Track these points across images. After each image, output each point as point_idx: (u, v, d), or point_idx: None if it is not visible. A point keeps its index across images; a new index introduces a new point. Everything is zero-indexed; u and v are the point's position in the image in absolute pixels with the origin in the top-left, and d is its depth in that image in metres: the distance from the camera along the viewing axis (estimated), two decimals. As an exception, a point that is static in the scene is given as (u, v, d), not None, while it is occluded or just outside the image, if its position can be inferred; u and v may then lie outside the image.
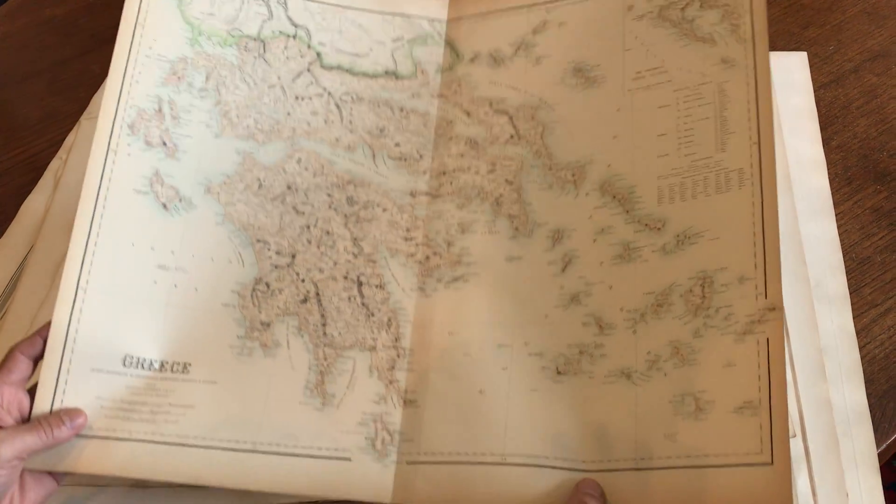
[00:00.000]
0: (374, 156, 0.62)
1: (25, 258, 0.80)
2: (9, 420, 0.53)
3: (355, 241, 0.60)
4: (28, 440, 0.52)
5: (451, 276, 0.58)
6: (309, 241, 0.60)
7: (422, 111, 0.64)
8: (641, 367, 0.53)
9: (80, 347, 0.55)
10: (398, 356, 0.56)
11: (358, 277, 0.59)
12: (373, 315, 0.58)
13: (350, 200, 0.61)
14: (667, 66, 0.60)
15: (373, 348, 0.56)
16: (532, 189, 0.60)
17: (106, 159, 0.58)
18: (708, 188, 0.55)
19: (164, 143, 0.60)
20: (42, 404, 0.54)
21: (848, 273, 0.74)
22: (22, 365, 0.55)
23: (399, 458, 0.53)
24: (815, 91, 0.87)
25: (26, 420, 0.54)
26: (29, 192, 0.87)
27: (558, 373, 0.54)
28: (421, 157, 0.62)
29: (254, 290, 0.58)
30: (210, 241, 0.59)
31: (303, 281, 0.59)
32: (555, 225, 0.59)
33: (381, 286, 0.58)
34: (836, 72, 0.90)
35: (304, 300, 0.58)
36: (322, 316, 0.58)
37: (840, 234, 0.76)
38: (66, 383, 0.55)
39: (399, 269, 0.59)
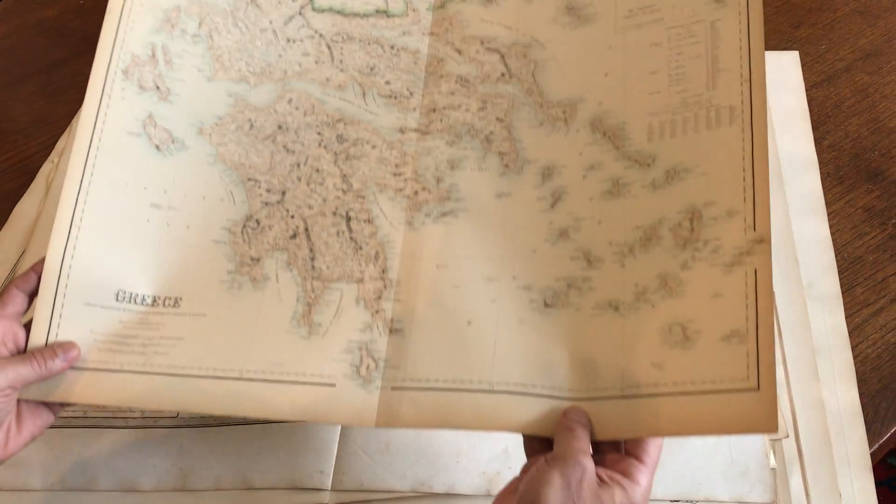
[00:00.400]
0: (364, 94, 0.63)
1: (17, 262, 0.80)
2: (4, 352, 0.54)
3: (344, 177, 0.61)
4: (22, 370, 0.53)
5: (439, 211, 0.59)
6: (299, 179, 0.61)
7: (412, 49, 0.64)
8: (629, 298, 0.53)
9: (73, 282, 0.57)
10: (385, 287, 0.57)
11: (347, 213, 0.60)
12: (361, 248, 0.58)
13: (340, 138, 0.62)
14: (659, 4, 0.60)
15: (360, 280, 0.57)
16: (522, 126, 0.61)
17: (100, 103, 0.60)
18: (698, 125, 0.55)
19: (158, 87, 0.62)
20: (37, 337, 0.56)
21: (840, 272, 0.74)
22: (17, 299, 0.56)
23: (384, 384, 0.54)
24: (806, 90, 0.87)
25: (22, 353, 0.55)
26: (21, 195, 0.87)
27: (546, 305, 0.55)
28: (411, 94, 0.63)
29: (244, 226, 0.60)
30: (202, 181, 0.61)
31: (292, 217, 0.60)
32: (545, 162, 0.59)
33: (369, 221, 0.59)
34: (828, 71, 0.90)
35: (294, 235, 0.59)
36: (311, 250, 0.59)
37: (832, 234, 0.76)
38: (60, 317, 0.56)
39: (387, 203, 0.60)
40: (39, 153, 0.92)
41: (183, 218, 0.60)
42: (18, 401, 0.54)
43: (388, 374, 0.54)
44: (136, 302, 0.58)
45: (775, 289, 0.72)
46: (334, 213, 0.60)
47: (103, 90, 0.60)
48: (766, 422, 0.46)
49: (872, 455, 0.65)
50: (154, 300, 0.58)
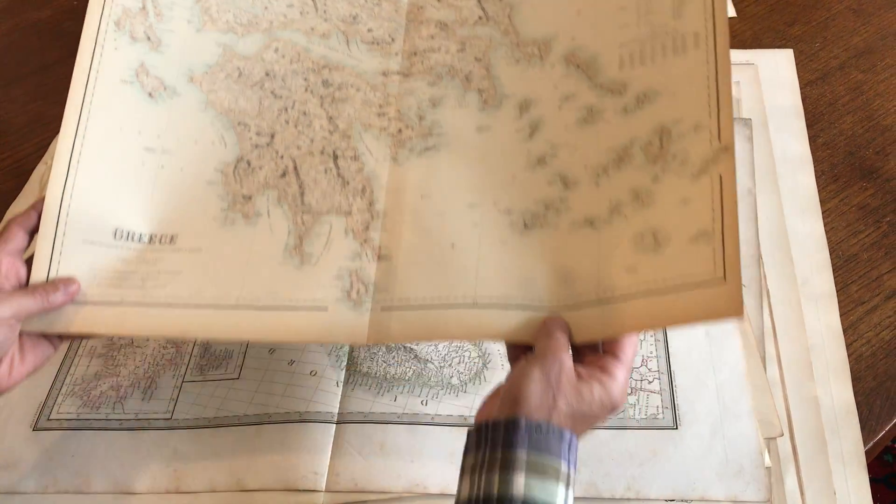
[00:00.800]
0: (347, 41, 0.66)
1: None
2: (7, 286, 0.56)
3: (331, 119, 0.64)
4: (24, 302, 0.55)
5: (422, 146, 0.62)
6: (287, 122, 0.64)
7: None
8: (604, 214, 0.56)
9: (72, 221, 0.59)
10: (372, 218, 0.60)
11: (333, 151, 0.62)
12: (348, 184, 0.61)
13: (325, 83, 0.65)
14: None
15: (348, 213, 0.60)
16: (500, 64, 0.63)
17: (94, 52, 0.62)
18: (666, 51, 0.58)
19: (149, 38, 0.64)
20: (38, 273, 0.58)
21: (835, 271, 0.74)
22: (18, 236, 0.58)
23: (373, 306, 0.57)
24: (801, 88, 0.87)
25: (24, 287, 0.57)
26: (14, 197, 0.86)
27: (525, 226, 0.58)
28: (393, 40, 0.66)
29: (235, 167, 0.62)
30: (193, 126, 0.63)
31: (281, 157, 0.62)
32: (522, 96, 0.62)
33: (355, 158, 0.62)
34: (822, 69, 0.90)
35: (283, 174, 0.62)
36: (300, 187, 0.62)
37: (827, 232, 0.76)
38: (60, 254, 0.59)
39: (372, 141, 0.62)
40: (33, 154, 0.92)
41: (176, 161, 0.62)
42: (21, 333, 0.56)
43: (377, 296, 0.57)
44: (133, 240, 0.60)
45: (770, 287, 0.72)
46: (322, 153, 0.62)
47: (96, 41, 0.63)
48: (732, 309, 0.49)
49: (867, 453, 0.65)
50: (150, 238, 0.60)
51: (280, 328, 0.56)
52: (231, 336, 0.58)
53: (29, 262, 0.58)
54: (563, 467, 0.47)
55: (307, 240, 0.59)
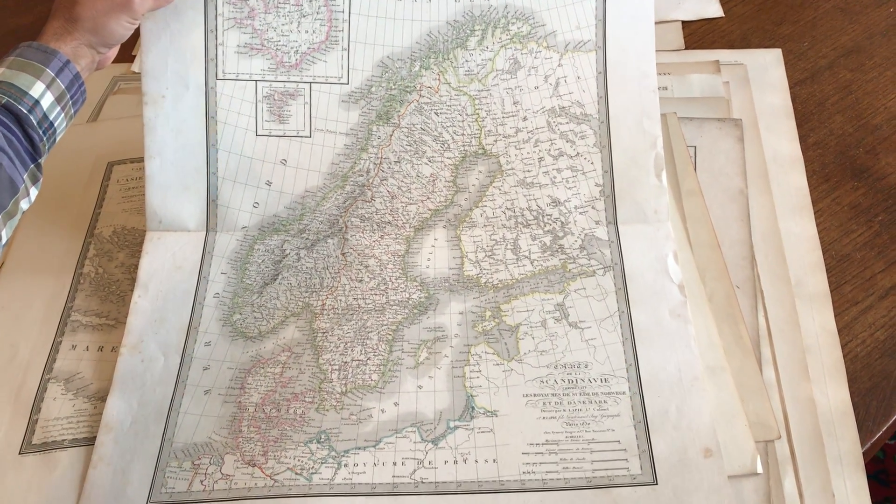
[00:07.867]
0: None
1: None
2: None
3: None
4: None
5: None
6: None
7: None
8: None
9: None
10: None
11: None
12: None
13: None
14: None
15: None
16: None
17: None
18: None
19: None
20: None
21: (828, 271, 0.74)
22: None
23: None
24: (790, 88, 0.87)
25: None
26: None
27: None
28: None
29: None
30: None
31: None
32: None
33: None
34: (811, 68, 0.90)
35: None
36: None
37: (819, 232, 0.76)
38: None
39: None
40: (16, 164, 0.91)
41: None
42: None
43: None
44: None
45: (764, 287, 0.72)
46: None
47: None
48: None
49: (865, 454, 0.65)
50: None
51: None
52: None
53: None
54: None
55: None
